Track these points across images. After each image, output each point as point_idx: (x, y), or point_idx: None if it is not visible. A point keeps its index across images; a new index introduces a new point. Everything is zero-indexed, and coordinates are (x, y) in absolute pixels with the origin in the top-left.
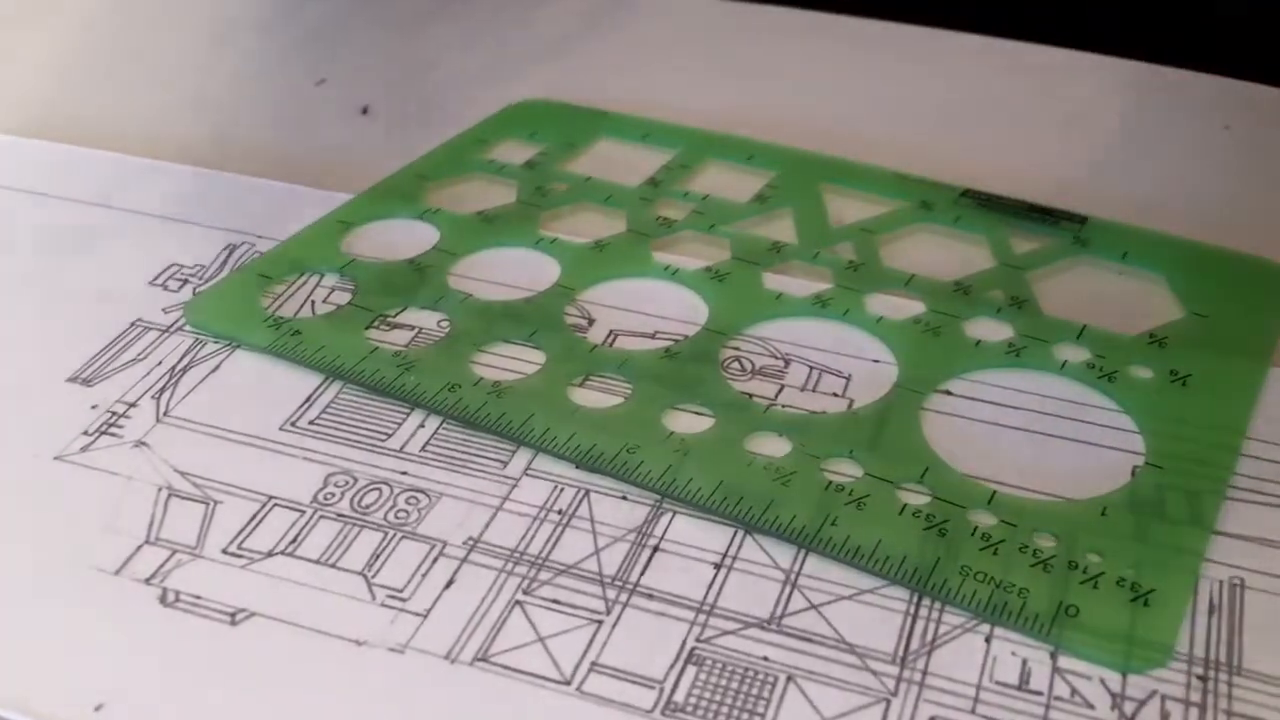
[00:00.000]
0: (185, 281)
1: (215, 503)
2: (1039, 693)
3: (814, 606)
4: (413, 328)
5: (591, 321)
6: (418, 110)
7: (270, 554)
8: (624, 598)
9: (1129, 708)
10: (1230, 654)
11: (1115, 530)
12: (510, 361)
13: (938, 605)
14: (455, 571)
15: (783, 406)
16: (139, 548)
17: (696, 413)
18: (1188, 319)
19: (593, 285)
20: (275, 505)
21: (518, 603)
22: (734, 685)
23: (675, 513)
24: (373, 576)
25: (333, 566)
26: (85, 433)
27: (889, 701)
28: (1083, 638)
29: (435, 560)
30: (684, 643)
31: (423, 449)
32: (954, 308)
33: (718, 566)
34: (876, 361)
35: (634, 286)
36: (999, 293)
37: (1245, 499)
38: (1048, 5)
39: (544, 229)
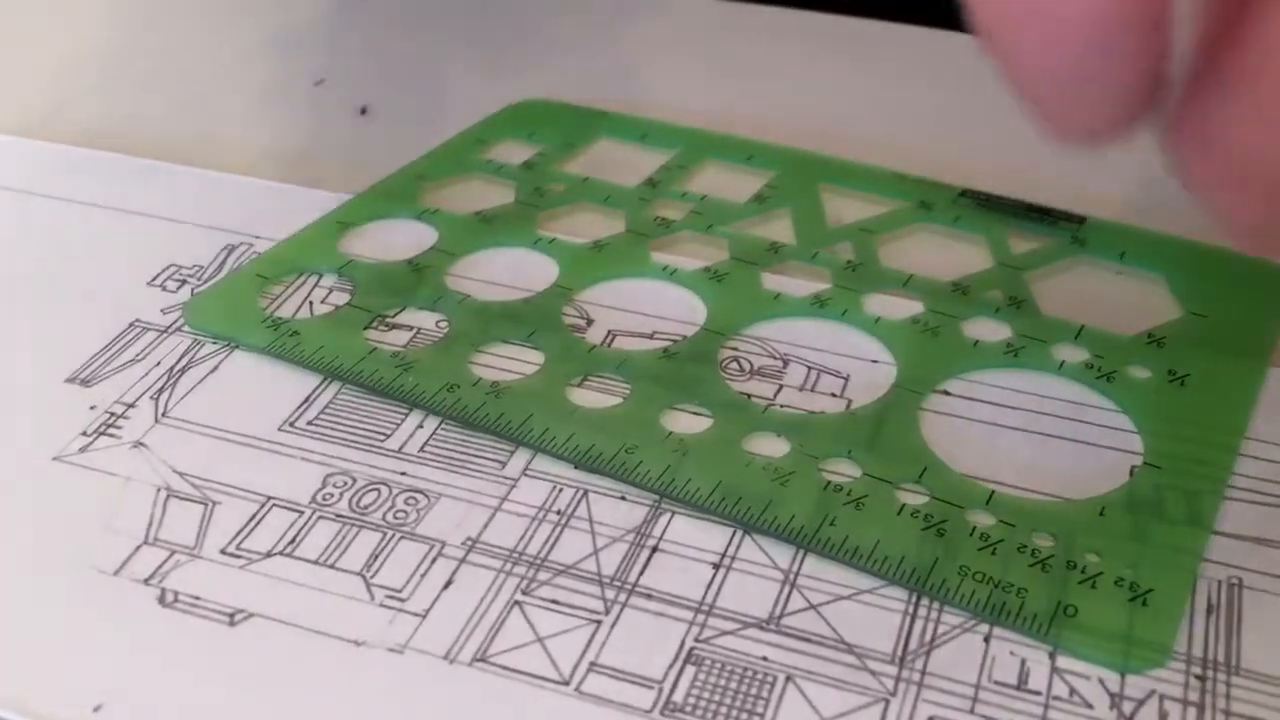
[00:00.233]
0: (184, 282)
1: (214, 503)
2: (1037, 693)
3: (813, 606)
4: (411, 328)
5: (590, 322)
6: (416, 110)
7: (269, 554)
8: (623, 598)
9: (1127, 707)
10: (1229, 654)
11: (1114, 530)
12: (509, 362)
13: (936, 605)
14: (454, 572)
15: (781, 406)
16: (138, 548)
17: (695, 413)
18: (1186, 319)
19: (591, 285)
20: (274, 506)
21: (516, 603)
22: (733, 685)
23: (674, 513)
24: (371, 577)
25: (331, 567)
26: (84, 433)
27: (888, 701)
28: (1081, 638)
29: (434, 560)
30: (683, 643)
31: (421, 449)
32: (952, 308)
33: (716, 567)
34: (875, 362)
35: (632, 287)
36: (997, 293)
37: (1244, 499)
38: None
39: (542, 229)
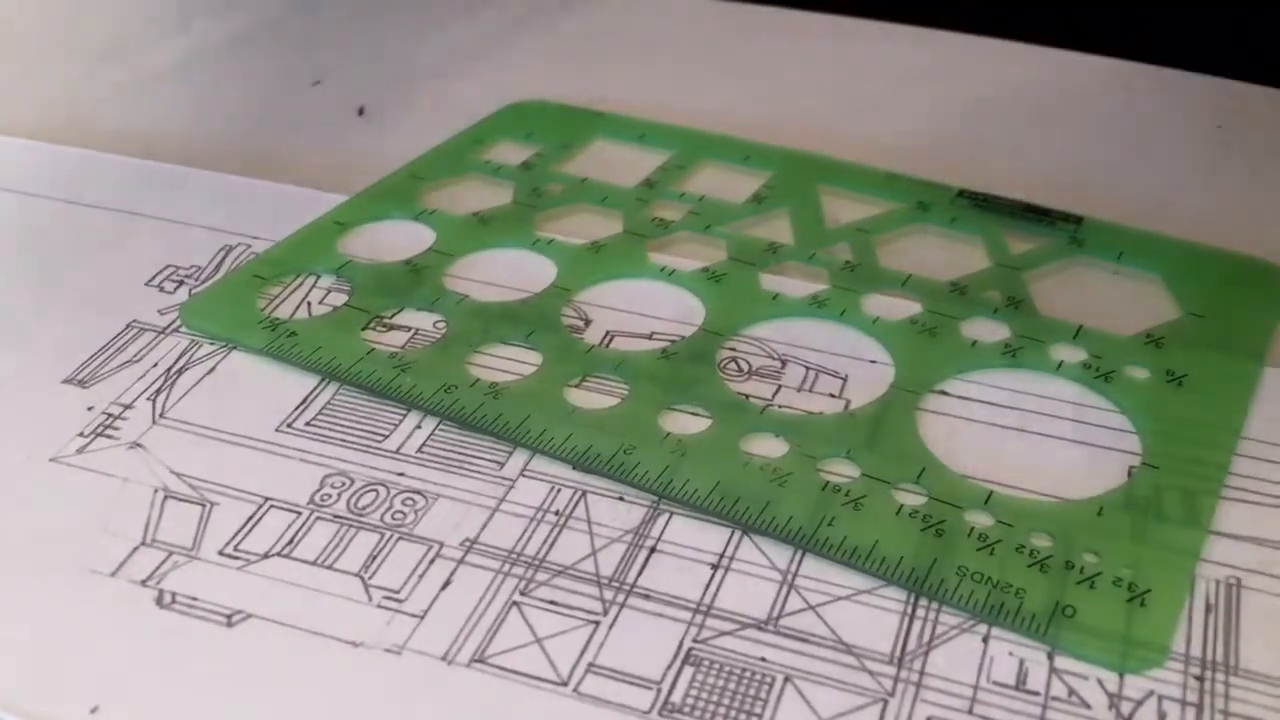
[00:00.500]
0: (181, 283)
1: (211, 504)
2: (1036, 693)
3: (811, 607)
4: (409, 329)
5: (588, 322)
6: (414, 111)
7: (267, 555)
8: (621, 599)
9: (1126, 708)
10: (1227, 654)
11: (1112, 530)
12: (507, 362)
13: (935, 605)
14: (452, 572)
15: (779, 407)
16: (135, 549)
17: (693, 413)
18: (1184, 319)
19: (589, 286)
20: (272, 507)
21: (515, 604)
22: (731, 686)
23: (672, 513)
24: (369, 578)
25: (329, 568)
26: (81, 434)
27: (886, 702)
28: (1079, 638)
29: (432, 561)
30: (681, 643)
31: (419, 450)
32: (950, 308)
33: (715, 567)
34: (873, 362)
35: (630, 287)
36: (995, 293)
37: (1242, 499)
38: (1043, 6)
39: (540, 230)
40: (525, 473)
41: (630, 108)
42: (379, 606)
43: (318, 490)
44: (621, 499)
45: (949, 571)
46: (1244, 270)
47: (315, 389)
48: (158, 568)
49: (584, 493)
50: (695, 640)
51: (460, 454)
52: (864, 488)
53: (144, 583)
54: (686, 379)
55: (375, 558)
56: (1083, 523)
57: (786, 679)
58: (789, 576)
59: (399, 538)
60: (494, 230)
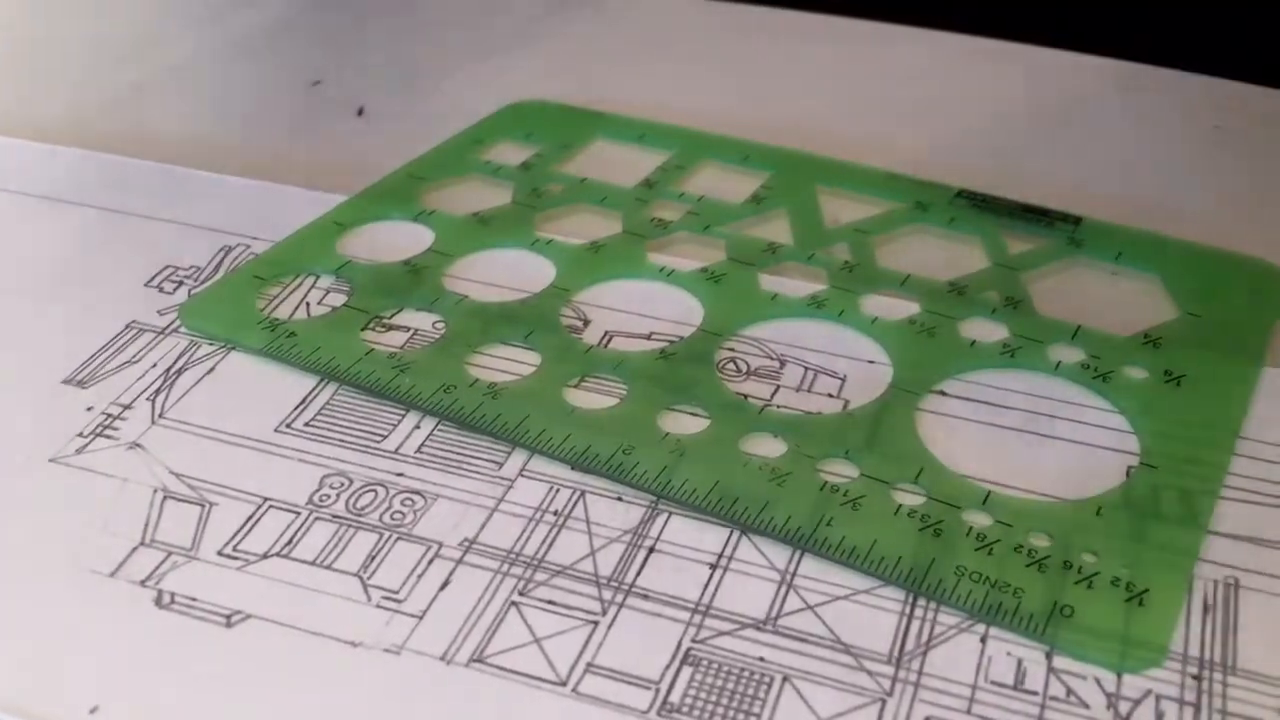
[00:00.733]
0: (180, 283)
1: (211, 504)
2: (1034, 693)
3: (809, 607)
4: (408, 329)
5: (587, 323)
6: (413, 111)
7: (266, 556)
8: (620, 599)
9: (1124, 707)
10: (1225, 653)
11: (1110, 530)
12: (506, 363)
13: (933, 605)
14: (451, 573)
15: (778, 407)
16: (134, 550)
17: (692, 414)
18: (1182, 319)
19: (588, 286)
20: (271, 507)
21: (513, 604)
22: (730, 686)
23: (671, 514)
24: (368, 578)
25: (328, 568)
26: (80, 435)
27: (884, 702)
28: (1078, 637)
29: (431, 561)
30: (680, 643)
31: (418, 450)
32: (949, 308)
33: (713, 567)
34: (871, 362)
35: (629, 288)
36: (994, 293)
37: (1240, 498)
38: (1042, 6)
39: (539, 230)
40: (524, 473)
41: (630, 108)
42: (378, 606)
43: (317, 490)
44: (620, 499)
45: (947, 571)
46: (1242, 270)
47: (314, 389)
48: (157, 568)
49: (583, 493)
50: (694, 640)
51: (459, 454)
52: (862, 488)
53: (143, 583)
54: (685, 379)
55: (374, 558)
56: (1081, 523)
57: (785, 679)
58: (787, 576)
59: (398, 538)
60: (493, 230)
